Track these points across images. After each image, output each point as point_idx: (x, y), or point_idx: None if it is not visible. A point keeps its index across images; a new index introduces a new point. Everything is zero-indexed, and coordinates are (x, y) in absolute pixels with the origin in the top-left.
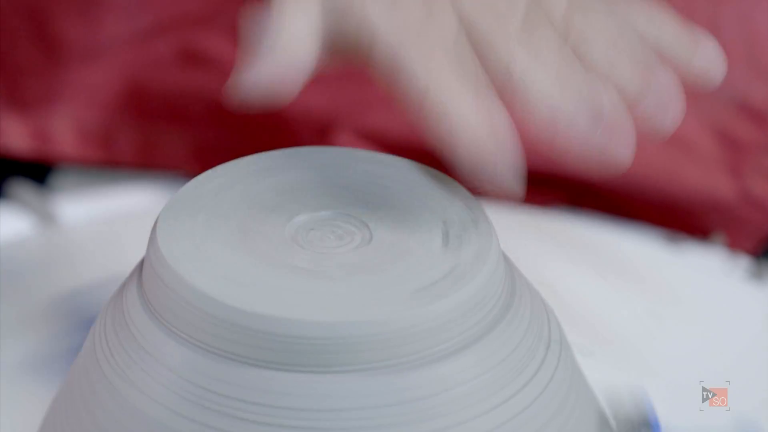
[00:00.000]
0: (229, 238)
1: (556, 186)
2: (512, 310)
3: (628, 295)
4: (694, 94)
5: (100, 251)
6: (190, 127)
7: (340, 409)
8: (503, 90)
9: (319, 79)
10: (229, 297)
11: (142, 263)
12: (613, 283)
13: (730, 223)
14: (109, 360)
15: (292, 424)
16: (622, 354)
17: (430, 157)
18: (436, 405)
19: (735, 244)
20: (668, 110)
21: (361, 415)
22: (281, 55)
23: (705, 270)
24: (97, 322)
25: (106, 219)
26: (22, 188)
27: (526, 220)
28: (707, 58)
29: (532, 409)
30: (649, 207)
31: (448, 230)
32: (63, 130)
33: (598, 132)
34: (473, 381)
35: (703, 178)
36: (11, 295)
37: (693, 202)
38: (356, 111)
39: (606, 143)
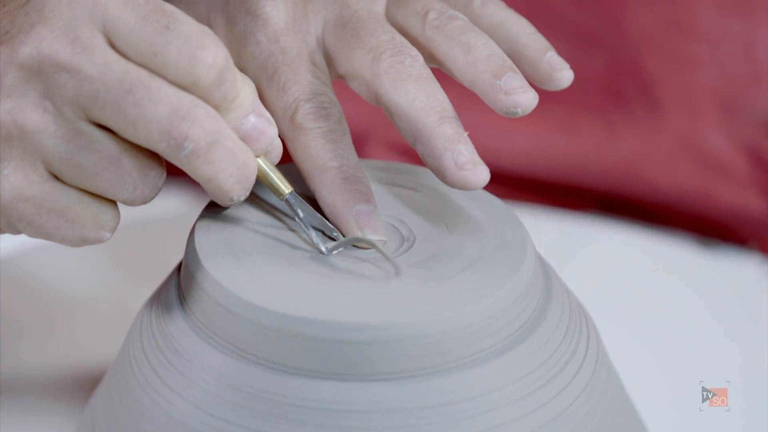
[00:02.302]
0: (266, 244)
1: (588, 197)
2: (550, 313)
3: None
4: (727, 115)
5: (132, 254)
6: None
7: (377, 413)
8: None
9: (352, 95)
10: (267, 302)
11: (177, 270)
12: (647, 284)
13: (764, 237)
14: (142, 366)
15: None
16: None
17: None
18: (475, 407)
19: None
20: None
21: (400, 421)
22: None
23: (739, 274)
24: (133, 328)
25: (139, 223)
26: None
27: (560, 223)
28: (553, 62)
29: (571, 411)
30: (682, 219)
31: (484, 233)
32: None
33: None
34: (513, 384)
35: (736, 196)
36: (46, 295)
37: (726, 218)
38: (387, 125)
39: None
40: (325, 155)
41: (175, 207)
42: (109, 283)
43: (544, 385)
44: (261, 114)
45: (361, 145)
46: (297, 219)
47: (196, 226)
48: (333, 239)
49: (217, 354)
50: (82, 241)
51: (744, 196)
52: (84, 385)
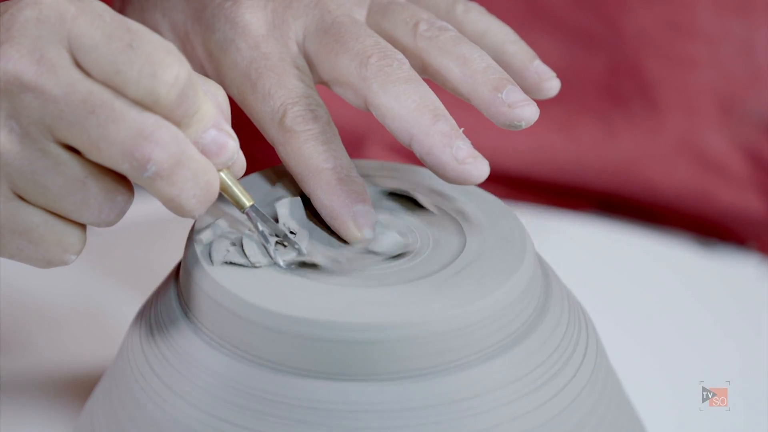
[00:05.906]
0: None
1: (587, 197)
2: (549, 312)
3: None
4: (726, 116)
5: (129, 255)
6: None
7: (377, 413)
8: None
9: None
10: (268, 303)
11: (176, 271)
12: (645, 285)
13: (763, 237)
14: (142, 367)
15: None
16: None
17: None
18: (475, 407)
19: None
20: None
21: (400, 420)
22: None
23: (738, 274)
24: (131, 329)
25: (136, 224)
26: None
27: (559, 223)
28: (540, 71)
29: (570, 410)
30: (681, 219)
31: (483, 232)
32: None
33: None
34: (513, 383)
35: (735, 196)
36: (44, 296)
37: (725, 218)
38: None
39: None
40: (318, 157)
41: None
42: (107, 283)
43: (544, 384)
44: (222, 128)
45: (359, 145)
46: (257, 232)
47: (195, 229)
48: (295, 249)
49: (217, 354)
50: (46, 264)
51: (743, 197)
52: (82, 386)
